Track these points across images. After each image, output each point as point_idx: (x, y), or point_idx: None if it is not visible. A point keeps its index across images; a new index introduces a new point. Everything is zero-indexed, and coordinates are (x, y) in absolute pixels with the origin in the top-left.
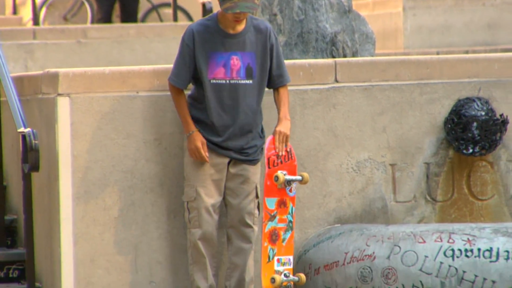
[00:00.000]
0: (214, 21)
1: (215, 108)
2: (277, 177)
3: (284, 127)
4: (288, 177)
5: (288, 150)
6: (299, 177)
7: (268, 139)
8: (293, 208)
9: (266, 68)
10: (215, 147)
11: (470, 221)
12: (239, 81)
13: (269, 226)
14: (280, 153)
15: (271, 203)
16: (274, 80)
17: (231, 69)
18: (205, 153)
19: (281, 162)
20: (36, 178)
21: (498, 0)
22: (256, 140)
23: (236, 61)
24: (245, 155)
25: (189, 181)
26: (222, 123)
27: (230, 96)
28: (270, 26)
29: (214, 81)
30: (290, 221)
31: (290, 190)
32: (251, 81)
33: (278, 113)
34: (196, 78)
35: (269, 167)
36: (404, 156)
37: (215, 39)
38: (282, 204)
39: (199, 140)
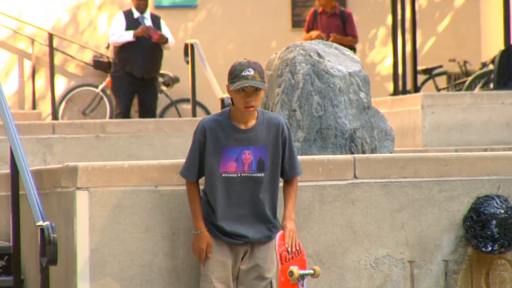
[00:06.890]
0: (226, 117)
1: (224, 200)
2: (291, 273)
3: (292, 225)
4: (302, 271)
5: (298, 246)
6: (311, 271)
7: (278, 235)
8: None
9: (278, 162)
10: (228, 239)
11: None
12: (251, 174)
13: None
14: (290, 249)
15: None
16: (287, 171)
17: (242, 163)
18: (208, 254)
19: (292, 257)
20: (54, 272)
21: None
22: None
23: (248, 155)
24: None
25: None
26: (229, 216)
27: (240, 189)
28: (283, 120)
29: (226, 174)
30: None
31: (302, 285)
32: (262, 174)
33: (285, 209)
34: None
35: (281, 263)
36: (423, 253)
37: (227, 135)
38: None
39: (205, 242)
